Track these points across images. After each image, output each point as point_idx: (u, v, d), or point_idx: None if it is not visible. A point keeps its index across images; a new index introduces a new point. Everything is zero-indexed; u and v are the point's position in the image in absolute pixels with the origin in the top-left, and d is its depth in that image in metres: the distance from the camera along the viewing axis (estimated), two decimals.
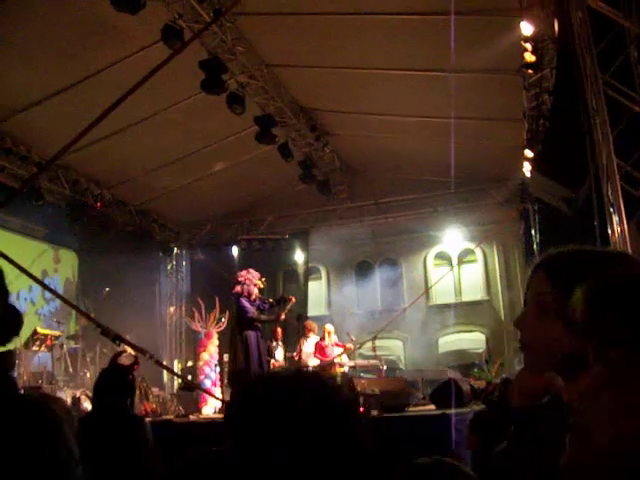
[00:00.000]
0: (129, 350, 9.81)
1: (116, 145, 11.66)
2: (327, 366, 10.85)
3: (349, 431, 1.16)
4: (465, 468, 1.87)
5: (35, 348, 11.19)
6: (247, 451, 1.13)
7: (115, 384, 4.49)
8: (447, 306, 18.38)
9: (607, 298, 1.18)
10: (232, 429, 1.18)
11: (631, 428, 0.97)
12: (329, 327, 12.04)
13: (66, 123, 8.85)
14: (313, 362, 10.96)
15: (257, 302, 9.74)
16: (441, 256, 19.01)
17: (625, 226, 6.64)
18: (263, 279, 9.96)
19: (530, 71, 9.06)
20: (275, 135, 11.89)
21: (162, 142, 12.29)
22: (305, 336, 11.82)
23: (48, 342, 11.32)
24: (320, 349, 11.52)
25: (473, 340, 18.20)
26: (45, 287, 6.27)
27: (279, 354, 11.38)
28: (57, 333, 11.58)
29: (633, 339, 1.10)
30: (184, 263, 17.90)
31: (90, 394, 10.56)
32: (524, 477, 1.59)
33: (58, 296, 6.47)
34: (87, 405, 9.91)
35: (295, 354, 11.47)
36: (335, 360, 11.54)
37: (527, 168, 12.17)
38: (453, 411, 7.36)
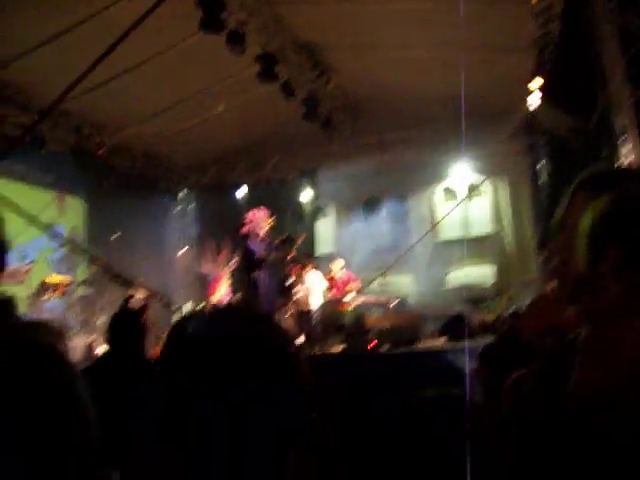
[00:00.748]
0: (139, 294, 9.91)
1: (117, 91, 11.50)
2: (336, 303, 10.89)
3: (291, 374, 1.13)
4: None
5: (47, 296, 11.29)
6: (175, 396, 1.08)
7: (126, 328, 4.51)
8: (455, 241, 18.34)
9: (623, 215, 1.08)
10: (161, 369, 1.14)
11: None
12: (339, 262, 12.02)
13: (64, 70, 8.66)
14: (316, 299, 10.88)
15: (265, 242, 9.72)
16: (448, 190, 18.86)
17: (637, 156, 6.55)
18: (271, 219, 9.92)
19: None
20: (277, 73, 11.70)
21: (163, 86, 12.13)
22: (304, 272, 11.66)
23: (60, 289, 11.40)
24: (331, 285, 11.50)
25: (482, 274, 18.18)
26: (53, 235, 6.26)
27: (297, 291, 11.24)
28: (68, 279, 11.64)
29: None
30: (191, 206, 17.90)
31: (102, 340, 10.73)
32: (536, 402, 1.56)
33: (67, 243, 6.47)
34: (100, 351, 10.05)
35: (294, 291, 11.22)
36: (345, 299, 11.58)
37: (535, 99, 11.95)
38: (463, 344, 7.43)
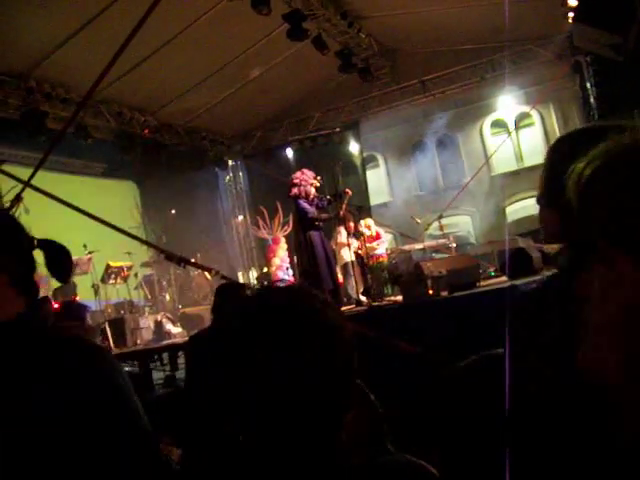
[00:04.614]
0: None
1: (150, 71, 11.60)
2: (368, 258, 10.81)
3: (334, 352, 1.16)
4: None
5: (112, 282, 11.63)
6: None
7: (234, 299, 4.50)
8: (510, 174, 18.06)
9: (609, 179, 0.77)
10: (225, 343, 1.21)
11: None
12: (369, 221, 11.89)
13: (96, 58, 8.79)
14: (346, 254, 10.78)
15: (315, 201, 9.72)
16: (497, 124, 18.51)
17: None
18: (318, 177, 9.90)
19: None
20: (306, 29, 11.57)
21: (195, 59, 12.13)
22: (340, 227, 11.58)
23: (123, 274, 11.72)
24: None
25: None
26: (106, 223, 6.41)
27: (354, 244, 11.09)
28: (129, 263, 11.94)
29: None
30: (241, 174, 18.01)
31: (170, 316, 11.01)
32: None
33: (118, 229, 6.60)
34: (169, 327, 10.32)
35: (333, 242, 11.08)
36: (377, 251, 11.45)
37: (571, 18, 11.53)
38: (525, 281, 7.34)
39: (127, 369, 8.29)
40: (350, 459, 1.19)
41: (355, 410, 1.25)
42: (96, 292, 11.28)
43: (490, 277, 9.78)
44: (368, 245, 10.97)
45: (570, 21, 11.63)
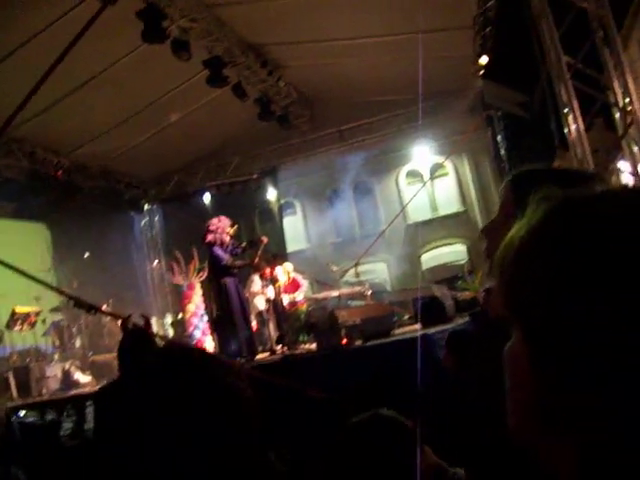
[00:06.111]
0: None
1: (67, 110, 11.38)
2: (284, 306, 10.81)
3: (237, 410, 1.15)
4: (402, 419, 1.84)
5: (18, 328, 11.15)
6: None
7: (139, 348, 4.38)
8: (425, 222, 18.48)
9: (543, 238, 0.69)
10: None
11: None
12: (288, 266, 11.92)
13: (10, 95, 8.59)
14: (260, 302, 10.86)
15: (230, 248, 9.69)
16: (413, 174, 19.00)
17: (581, 124, 6.60)
18: (235, 226, 9.88)
19: None
20: (227, 76, 11.64)
21: (113, 101, 12.01)
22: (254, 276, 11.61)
23: (30, 320, 11.27)
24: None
25: (455, 252, 18.36)
26: (10, 267, 6.18)
27: (269, 292, 11.14)
28: (37, 309, 11.50)
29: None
30: (157, 218, 17.78)
31: (79, 364, 10.65)
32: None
33: (23, 273, 6.38)
34: (78, 375, 9.97)
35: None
36: (297, 298, 11.45)
37: (482, 76, 12.02)
38: (438, 329, 7.45)
39: (31, 420, 7.96)
40: None
41: None
42: (0, 338, 10.81)
43: (405, 324, 9.89)
44: (289, 295, 10.98)
45: (481, 78, 12.12)
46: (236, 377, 1.21)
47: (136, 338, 4.54)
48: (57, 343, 11.94)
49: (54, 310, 12.51)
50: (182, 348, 1.31)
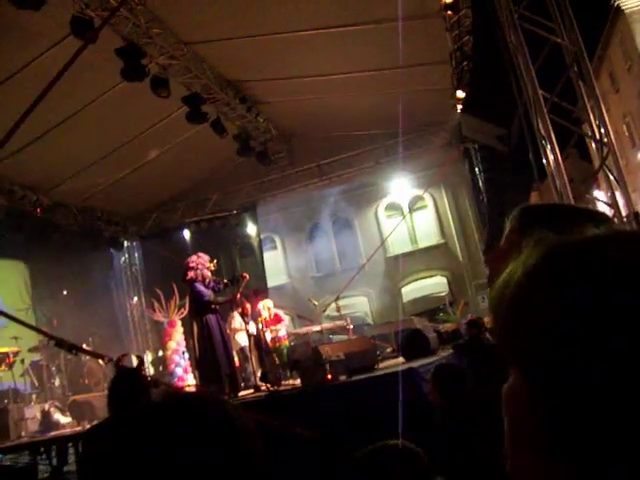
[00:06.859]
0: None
1: (46, 148, 11.36)
2: (267, 342, 10.74)
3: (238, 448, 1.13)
4: (411, 446, 1.84)
5: None
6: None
7: (131, 388, 4.33)
8: (405, 255, 18.53)
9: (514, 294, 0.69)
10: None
11: None
12: (268, 303, 11.84)
13: None
14: (242, 338, 10.85)
15: (212, 284, 9.62)
16: (392, 206, 19.11)
17: (559, 156, 6.69)
18: (214, 261, 9.83)
19: (450, 12, 9.00)
20: (206, 112, 11.67)
21: (93, 138, 12.01)
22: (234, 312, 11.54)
23: (8, 360, 11.08)
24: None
25: (435, 284, 18.41)
26: None
27: (251, 328, 11.07)
28: (15, 349, 11.31)
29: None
30: (136, 255, 17.70)
31: (59, 405, 10.45)
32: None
33: (4, 315, 6.30)
34: (58, 416, 9.79)
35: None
36: (279, 334, 11.33)
37: (460, 110, 12.19)
38: (420, 362, 7.44)
39: (8, 464, 7.80)
40: None
41: None
42: None
43: (388, 357, 9.86)
44: (272, 327, 10.92)
45: (459, 112, 12.27)
46: (238, 413, 1.20)
47: (129, 379, 4.49)
48: (36, 384, 11.72)
49: (32, 350, 12.31)
50: (180, 396, 1.29)
